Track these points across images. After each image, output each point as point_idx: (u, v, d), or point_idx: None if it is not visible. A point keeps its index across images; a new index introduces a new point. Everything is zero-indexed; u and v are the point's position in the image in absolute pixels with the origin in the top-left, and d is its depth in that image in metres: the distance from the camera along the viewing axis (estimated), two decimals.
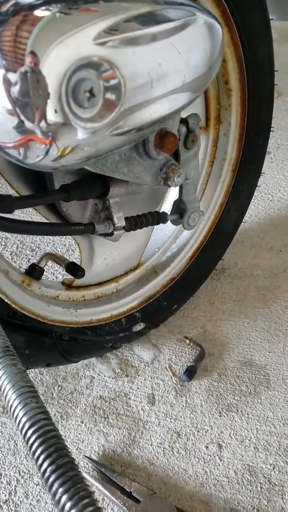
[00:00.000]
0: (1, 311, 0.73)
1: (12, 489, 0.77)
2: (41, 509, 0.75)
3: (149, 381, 0.95)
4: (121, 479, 0.78)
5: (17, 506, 0.75)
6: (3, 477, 0.78)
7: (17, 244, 1.25)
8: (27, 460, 0.81)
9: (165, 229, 1.01)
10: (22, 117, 0.43)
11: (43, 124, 0.43)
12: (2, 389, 0.56)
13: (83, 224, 0.67)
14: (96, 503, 0.45)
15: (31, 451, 0.50)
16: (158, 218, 0.78)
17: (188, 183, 0.80)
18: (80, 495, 0.45)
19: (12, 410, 0.54)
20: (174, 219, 0.83)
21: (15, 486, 0.77)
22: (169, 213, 0.83)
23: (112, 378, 0.95)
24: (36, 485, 0.78)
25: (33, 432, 0.51)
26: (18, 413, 0.53)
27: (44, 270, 0.78)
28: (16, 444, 0.83)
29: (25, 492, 0.77)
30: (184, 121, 0.71)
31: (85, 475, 0.80)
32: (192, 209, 0.83)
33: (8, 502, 0.75)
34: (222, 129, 0.89)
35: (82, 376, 0.95)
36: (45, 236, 1.29)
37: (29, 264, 0.77)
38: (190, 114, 0.75)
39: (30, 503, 0.75)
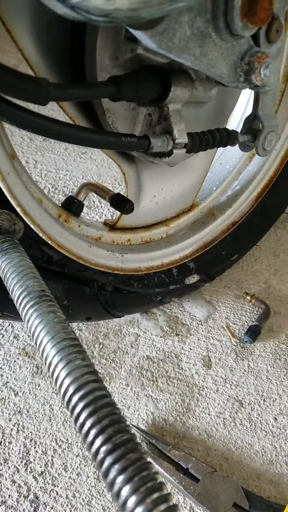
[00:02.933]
0: (35, 254, 0.60)
1: (48, 460, 0.67)
2: (82, 484, 0.65)
3: (204, 341, 0.82)
4: (175, 453, 0.66)
5: (54, 479, 0.65)
6: (38, 445, 0.68)
7: (49, 188, 1.12)
8: (65, 428, 0.70)
9: (225, 163, 0.83)
10: None
11: None
12: (38, 343, 0.43)
13: (137, 137, 0.50)
14: (169, 498, 0.32)
15: (78, 424, 0.38)
16: (228, 137, 0.60)
17: (267, 91, 0.61)
18: (148, 487, 0.32)
19: (51, 369, 0.41)
20: (245, 142, 0.65)
21: (52, 456, 0.67)
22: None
23: (160, 337, 0.82)
24: (76, 456, 0.67)
25: (80, 398, 0.38)
26: (59, 373, 0.40)
27: (83, 204, 0.63)
28: (52, 409, 0.73)
29: (63, 463, 0.67)
30: None
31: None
32: (269, 127, 0.64)
33: (44, 474, 0.65)
34: None
35: (125, 333, 0.83)
36: (80, 178, 1.14)
37: (66, 197, 0.63)
38: None
39: (70, 477, 0.65)
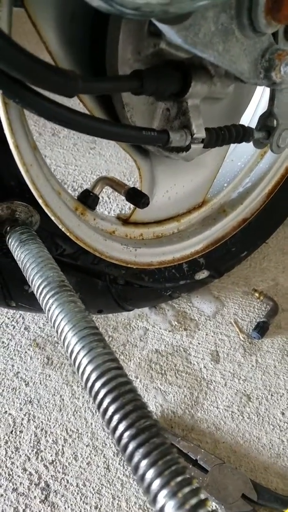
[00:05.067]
0: (49, 246, 0.61)
1: (59, 449, 0.68)
2: (92, 473, 0.65)
3: (212, 336, 0.83)
4: (184, 445, 0.67)
5: (65, 468, 0.66)
6: (49, 435, 0.69)
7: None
8: (75, 418, 0.71)
9: (237, 159, 0.84)
10: None
11: None
12: (59, 331, 0.44)
13: (156, 131, 0.51)
14: (193, 481, 0.33)
15: (101, 410, 0.38)
16: (244, 133, 0.61)
17: (283, 89, 0.62)
18: (172, 470, 0.33)
19: (73, 357, 0.42)
20: (259, 138, 0.66)
21: (62, 446, 0.68)
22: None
23: (169, 331, 0.83)
24: (86, 446, 0.68)
25: (103, 385, 0.39)
26: (81, 361, 0.41)
27: (99, 198, 0.64)
28: (63, 400, 0.73)
29: (73, 453, 0.67)
30: None
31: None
32: (284, 125, 0.65)
33: (55, 463, 0.66)
34: None
35: (134, 327, 0.84)
36: (89, 173, 1.15)
37: (82, 190, 0.63)
38: None
39: (80, 466, 0.66)
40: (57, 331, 0.45)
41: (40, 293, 0.48)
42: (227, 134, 0.59)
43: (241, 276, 0.92)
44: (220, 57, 0.46)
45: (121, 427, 0.36)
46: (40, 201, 0.50)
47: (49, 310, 0.46)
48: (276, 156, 0.83)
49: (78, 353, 0.41)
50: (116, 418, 0.37)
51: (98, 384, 0.39)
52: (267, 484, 0.66)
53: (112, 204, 1.05)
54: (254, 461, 0.68)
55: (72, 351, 0.42)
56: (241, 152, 0.84)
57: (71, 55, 0.50)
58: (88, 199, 0.62)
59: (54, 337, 0.83)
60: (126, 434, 0.35)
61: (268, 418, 0.72)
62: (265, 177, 0.81)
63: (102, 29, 0.50)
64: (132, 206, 0.66)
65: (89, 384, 0.39)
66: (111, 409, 0.37)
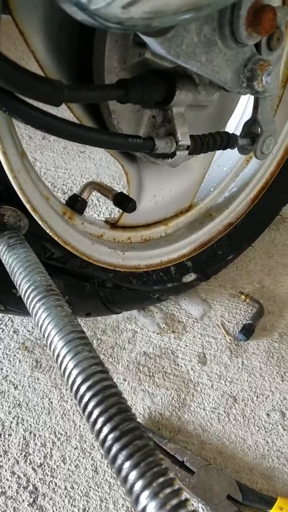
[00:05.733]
0: (37, 250, 0.61)
1: (47, 452, 0.68)
2: (80, 476, 0.66)
3: (199, 338, 0.84)
4: (171, 447, 0.68)
5: (53, 471, 0.66)
6: (37, 438, 0.69)
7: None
8: (64, 421, 0.72)
9: (223, 164, 0.86)
10: None
11: None
12: (46, 335, 0.45)
13: (142, 138, 0.52)
14: (174, 482, 0.34)
15: (86, 413, 0.39)
16: (228, 140, 0.62)
17: (267, 97, 0.64)
18: (154, 471, 0.34)
19: (59, 361, 0.43)
20: (244, 145, 0.67)
21: (51, 448, 0.69)
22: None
23: (157, 334, 0.84)
24: (74, 448, 0.69)
25: (88, 388, 0.39)
26: (67, 364, 0.42)
27: (87, 202, 0.65)
28: (51, 403, 0.74)
29: (62, 456, 0.68)
30: None
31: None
32: (268, 132, 0.66)
33: (43, 466, 0.67)
34: None
35: (123, 329, 0.84)
36: (78, 176, 1.16)
37: (70, 195, 0.64)
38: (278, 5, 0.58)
39: (68, 468, 0.67)
40: (44, 335, 0.46)
41: (28, 297, 0.49)
42: (212, 141, 0.61)
43: (228, 279, 0.93)
44: (203, 67, 0.47)
45: (105, 430, 0.37)
46: (28, 206, 0.51)
47: (36, 314, 0.47)
48: (260, 162, 0.84)
49: (64, 356, 0.42)
50: (100, 421, 0.37)
51: (83, 388, 0.39)
52: (252, 484, 0.67)
53: (102, 207, 1.06)
54: (240, 462, 0.69)
55: (58, 355, 0.43)
56: (227, 158, 0.85)
57: (59, 64, 0.51)
58: (76, 204, 0.63)
59: (43, 340, 0.83)
60: (110, 436, 0.36)
61: (254, 420, 0.73)
62: (250, 182, 0.83)
63: (89, 39, 0.51)
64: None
65: (75, 387, 0.40)
66: (96, 412, 0.38)
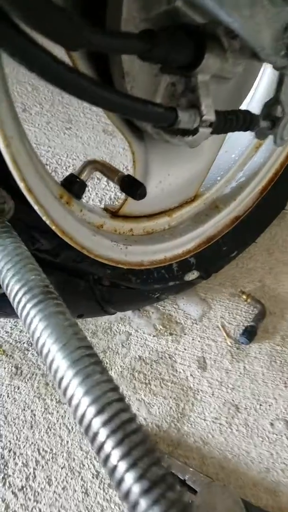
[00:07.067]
0: (24, 240, 0.51)
1: (30, 473, 0.59)
2: (68, 499, 0.58)
3: (198, 341, 0.77)
4: (171, 463, 0.61)
5: (36, 494, 0.57)
6: (18, 456, 0.60)
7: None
8: (49, 436, 0.63)
9: (231, 151, 0.78)
10: None
11: None
12: (45, 352, 0.35)
13: (164, 107, 0.43)
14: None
15: (102, 455, 0.31)
16: (251, 120, 0.54)
17: None
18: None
19: (63, 385, 0.34)
20: (263, 128, 0.59)
21: (34, 469, 0.60)
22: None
23: (153, 336, 0.76)
24: (61, 468, 0.60)
25: (104, 424, 0.31)
26: (75, 391, 0.33)
27: (86, 185, 0.55)
28: (34, 415, 0.65)
29: (47, 476, 0.59)
30: None
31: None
32: None
33: (25, 489, 0.58)
34: None
35: (116, 331, 0.76)
36: (64, 156, 1.04)
37: (67, 175, 0.54)
38: None
39: (55, 491, 0.58)
40: (40, 351, 0.36)
41: (19, 301, 0.39)
42: (235, 120, 0.52)
43: (228, 277, 0.86)
44: (245, 23, 0.39)
45: (129, 479, 0.29)
46: (21, 185, 0.40)
47: (30, 324, 0.37)
48: (271, 151, 0.77)
49: (70, 380, 0.33)
50: (122, 468, 0.29)
51: (97, 422, 0.31)
52: (257, 501, 0.62)
53: (91, 192, 0.95)
54: (243, 476, 0.63)
55: (62, 378, 0.34)
56: (235, 143, 0.77)
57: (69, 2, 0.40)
58: (73, 186, 0.53)
59: (23, 343, 0.73)
60: (135, 489, 0.28)
61: (257, 430, 0.68)
62: (260, 172, 0.76)
63: None
64: (120, 196, 0.58)
65: (86, 421, 0.32)
66: (115, 456, 0.30)
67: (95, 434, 0.31)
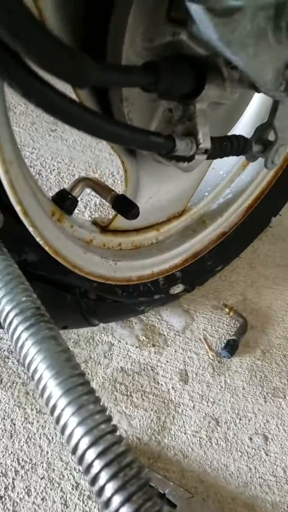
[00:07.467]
0: (11, 249, 0.50)
1: (9, 483, 0.59)
2: (47, 510, 0.58)
3: (181, 353, 0.78)
4: (151, 477, 0.62)
5: (15, 504, 0.57)
6: None
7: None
8: (29, 446, 0.62)
9: (219, 168, 0.79)
10: None
11: None
12: (37, 378, 0.35)
13: (162, 136, 0.43)
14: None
15: (97, 487, 0.31)
16: (245, 145, 0.55)
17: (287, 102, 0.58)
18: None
19: (56, 414, 0.34)
20: (255, 152, 0.61)
21: (13, 478, 0.59)
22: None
23: (136, 347, 0.77)
24: (41, 478, 0.60)
25: (99, 456, 0.31)
26: (67, 421, 0.33)
27: (77, 201, 0.55)
28: (14, 424, 0.64)
29: (26, 487, 0.59)
30: None
31: None
32: (282, 140, 0.61)
33: (3, 499, 0.57)
34: None
35: (98, 341, 0.76)
36: (49, 158, 1.02)
37: (58, 190, 0.53)
38: None
39: (34, 502, 0.58)
40: (32, 376, 0.36)
41: (10, 323, 0.39)
42: (229, 145, 0.53)
43: (211, 289, 0.88)
44: (249, 61, 0.40)
45: None
46: (18, 209, 0.40)
47: (22, 347, 0.37)
48: (258, 169, 0.79)
49: (63, 409, 0.33)
50: (116, 501, 0.30)
51: (91, 454, 0.31)
52: None
53: (79, 204, 0.94)
54: (222, 490, 0.65)
55: (55, 406, 0.34)
56: (223, 161, 0.79)
57: (69, 28, 0.39)
58: (65, 202, 0.53)
59: (4, 350, 0.72)
60: None
61: (236, 444, 0.69)
62: (246, 190, 0.78)
63: (109, 1, 0.41)
64: (104, 202, 0.58)
65: (79, 452, 0.32)
66: (110, 489, 0.30)
67: (90, 465, 0.31)
